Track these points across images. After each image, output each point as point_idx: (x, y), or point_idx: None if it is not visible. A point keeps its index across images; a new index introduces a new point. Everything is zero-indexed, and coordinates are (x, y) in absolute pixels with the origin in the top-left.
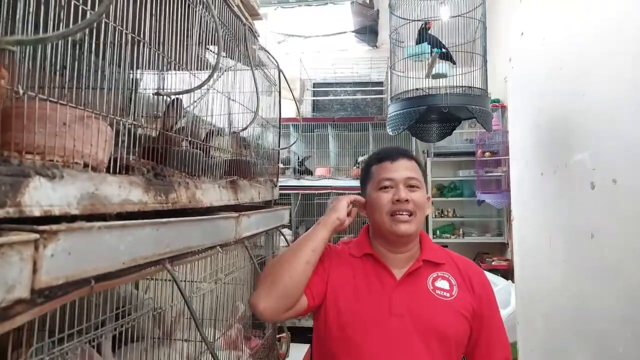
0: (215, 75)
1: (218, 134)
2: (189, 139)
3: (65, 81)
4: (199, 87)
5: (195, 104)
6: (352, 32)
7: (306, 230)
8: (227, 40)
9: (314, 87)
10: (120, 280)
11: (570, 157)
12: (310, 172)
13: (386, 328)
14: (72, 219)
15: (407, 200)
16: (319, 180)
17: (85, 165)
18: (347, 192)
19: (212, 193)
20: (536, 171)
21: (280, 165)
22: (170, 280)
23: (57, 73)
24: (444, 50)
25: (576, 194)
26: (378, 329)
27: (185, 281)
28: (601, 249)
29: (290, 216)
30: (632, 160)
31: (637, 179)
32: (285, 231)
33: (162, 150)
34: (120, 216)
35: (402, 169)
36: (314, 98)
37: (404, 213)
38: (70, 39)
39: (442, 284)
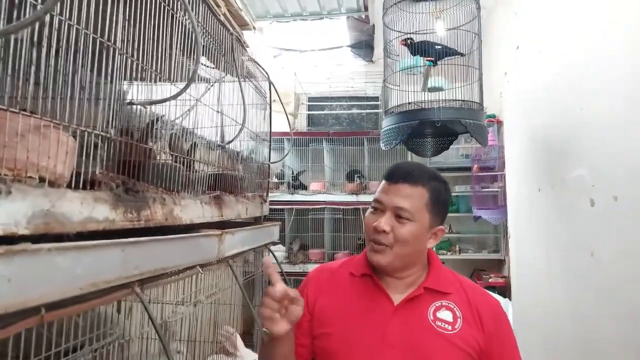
0: (203, 88)
1: (203, 147)
2: (168, 151)
3: (26, 89)
4: (174, 97)
5: (183, 116)
6: (348, 46)
7: (300, 247)
8: (212, 49)
9: (309, 102)
10: (78, 308)
11: (568, 173)
12: (304, 187)
13: (376, 357)
14: (21, 239)
15: (384, 231)
16: (314, 195)
17: (42, 180)
18: (341, 207)
19: (192, 209)
20: (533, 187)
21: (275, 180)
22: (157, 302)
23: (18, 80)
24: (438, 47)
25: (575, 210)
26: (367, 358)
27: (163, 303)
28: (601, 268)
29: (284, 232)
30: (634, 177)
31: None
32: (279, 247)
33: (138, 164)
34: (82, 236)
35: (395, 195)
36: (309, 112)
37: (379, 245)
38: (29, 39)
39: (445, 315)
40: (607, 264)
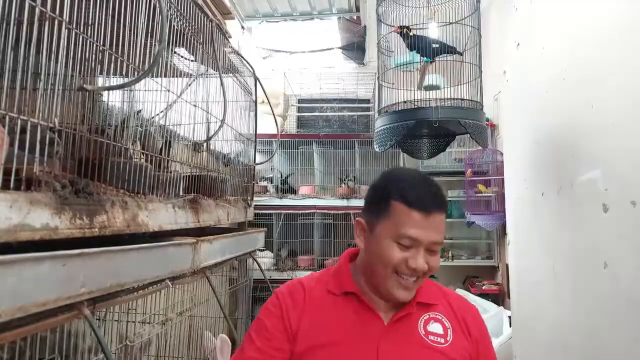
0: (181, 83)
1: (179, 145)
2: (136, 148)
3: None
4: (135, 82)
5: (161, 113)
6: (339, 48)
7: (289, 253)
8: (188, 35)
9: (298, 103)
10: (2, 337)
11: (577, 176)
12: (294, 191)
13: None
14: None
15: (422, 269)
16: (303, 199)
17: None
18: (331, 212)
19: (163, 214)
20: (536, 191)
21: (264, 184)
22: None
23: None
24: (435, 46)
25: (585, 217)
26: None
27: (127, 322)
28: (616, 280)
29: (272, 237)
30: None
31: None
32: (267, 253)
33: (93, 162)
34: (10, 248)
35: (432, 230)
36: (299, 114)
37: (412, 277)
38: None
39: (436, 327)
40: (623, 277)
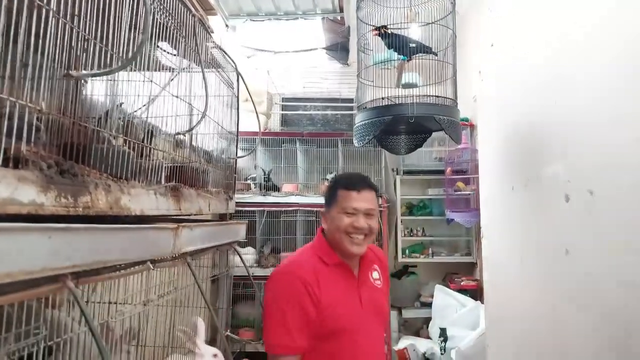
0: (165, 76)
1: (161, 138)
2: (117, 134)
3: None
4: (119, 68)
5: (145, 105)
6: (323, 48)
7: (272, 250)
8: (170, 29)
9: (282, 102)
10: None
11: (543, 169)
12: (277, 189)
13: (363, 319)
14: None
15: (363, 227)
16: (286, 197)
17: None
18: (314, 209)
19: (144, 200)
20: (506, 186)
21: (250, 182)
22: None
23: None
24: (412, 45)
25: (549, 207)
26: (361, 322)
27: (108, 303)
28: (577, 266)
29: (255, 234)
30: (610, 169)
31: (616, 188)
32: (249, 249)
33: (78, 146)
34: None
35: (364, 201)
36: (283, 112)
37: (360, 235)
38: None
39: (375, 274)
40: (582, 262)
